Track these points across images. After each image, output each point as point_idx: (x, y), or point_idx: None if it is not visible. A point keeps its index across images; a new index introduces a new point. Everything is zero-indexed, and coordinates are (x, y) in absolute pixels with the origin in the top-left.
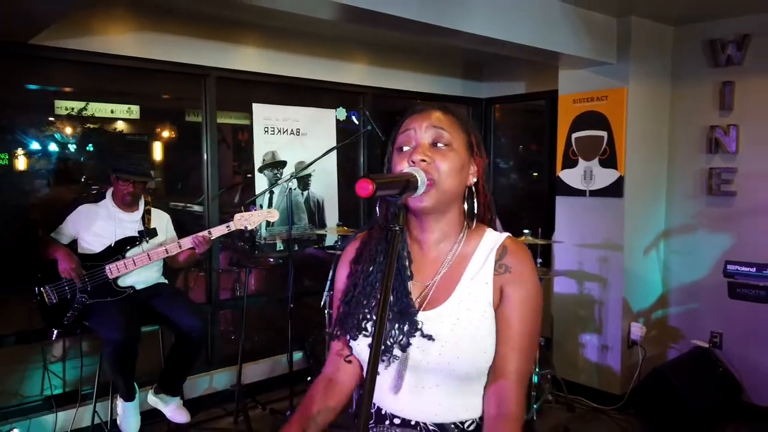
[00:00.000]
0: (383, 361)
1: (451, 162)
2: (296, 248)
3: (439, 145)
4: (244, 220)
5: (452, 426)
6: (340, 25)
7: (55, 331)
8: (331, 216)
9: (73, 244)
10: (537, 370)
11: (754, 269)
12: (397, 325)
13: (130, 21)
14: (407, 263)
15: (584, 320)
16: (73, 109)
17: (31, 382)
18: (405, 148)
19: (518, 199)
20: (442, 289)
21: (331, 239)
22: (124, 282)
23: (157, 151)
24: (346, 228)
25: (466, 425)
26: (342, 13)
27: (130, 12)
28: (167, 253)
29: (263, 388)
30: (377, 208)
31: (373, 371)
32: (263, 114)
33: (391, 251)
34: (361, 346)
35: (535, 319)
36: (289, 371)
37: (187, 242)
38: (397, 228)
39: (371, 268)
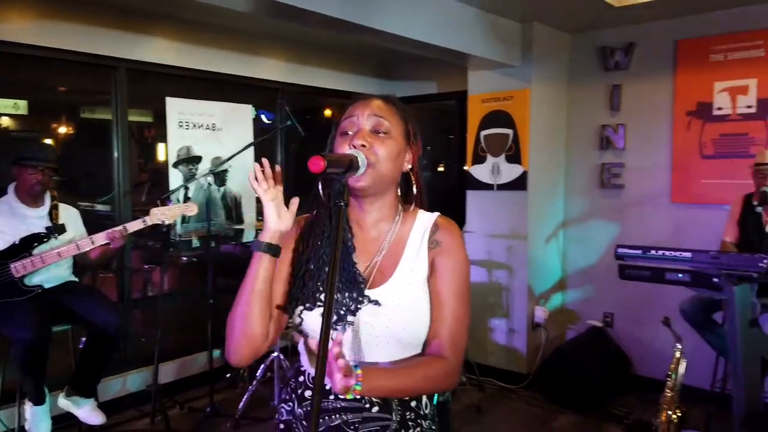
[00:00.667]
0: (336, 329)
1: (388, 148)
2: (213, 245)
3: (379, 132)
4: (161, 215)
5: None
6: (257, 19)
7: None
8: (249, 212)
9: None
10: None
11: (640, 251)
12: (347, 294)
13: (31, 7)
14: (350, 238)
15: (493, 306)
16: None
17: None
18: (348, 133)
19: (430, 194)
20: (386, 267)
21: (249, 235)
22: (31, 281)
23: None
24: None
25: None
26: (260, 7)
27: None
28: (78, 249)
29: (180, 388)
30: (320, 187)
31: (325, 342)
32: (177, 108)
33: (338, 224)
34: (315, 316)
35: (466, 289)
36: (210, 368)
37: (100, 238)
38: (342, 203)
39: (320, 243)
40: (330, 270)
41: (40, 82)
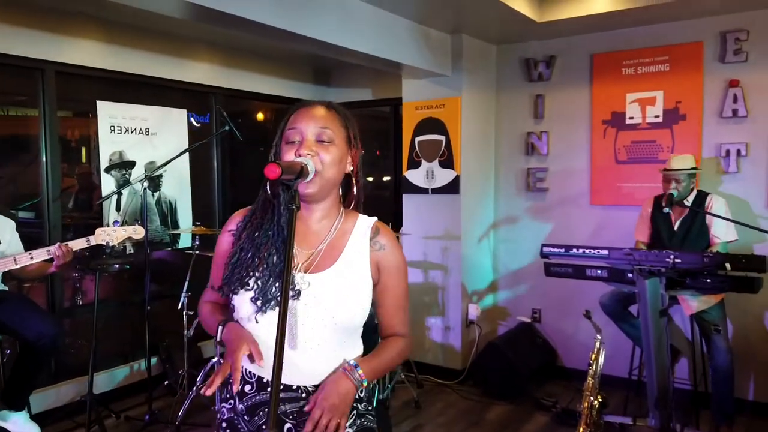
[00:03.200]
0: (263, 311)
1: (332, 155)
2: (148, 251)
3: (323, 141)
4: (106, 236)
5: None
6: (191, 24)
7: None
8: (184, 217)
9: None
10: None
11: (563, 250)
12: (278, 283)
13: None
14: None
15: (429, 305)
16: None
17: None
18: (294, 141)
19: (369, 198)
20: (327, 257)
21: (186, 240)
22: None
23: None
24: (204, 228)
25: None
26: (188, 12)
27: None
28: (16, 264)
29: (116, 397)
30: (268, 188)
31: (281, 335)
32: (108, 112)
33: (290, 226)
34: (242, 299)
35: (406, 283)
36: (148, 376)
37: (40, 253)
38: (294, 207)
39: (256, 234)
40: (285, 270)
41: None
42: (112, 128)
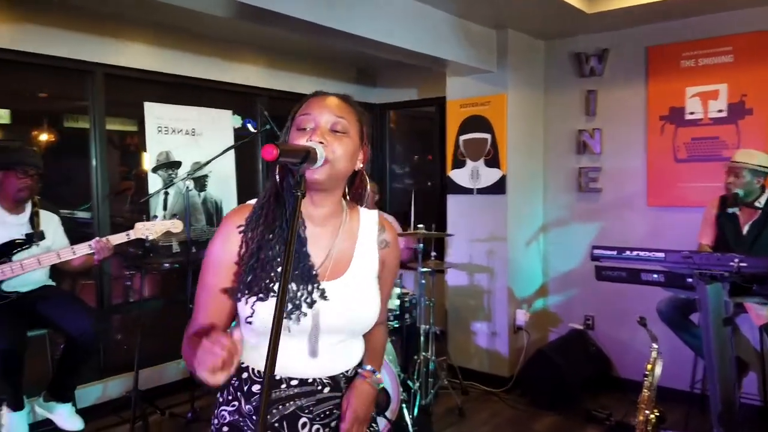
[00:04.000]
0: (291, 319)
1: (345, 146)
2: (194, 250)
3: (337, 131)
4: (145, 230)
5: (341, 375)
6: (236, 25)
7: None
8: None
9: None
10: (434, 358)
11: (616, 252)
12: (301, 287)
13: (8, 11)
14: (303, 230)
15: (475, 309)
16: None
17: None
18: (305, 128)
19: (410, 199)
20: (339, 262)
21: None
22: (8, 286)
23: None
24: None
25: (349, 372)
26: (231, 10)
27: (9, 3)
28: (59, 258)
29: (161, 394)
30: (276, 176)
31: (276, 332)
32: (156, 113)
33: (294, 212)
34: (268, 307)
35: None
36: (191, 374)
37: (82, 248)
38: (299, 193)
39: (271, 235)
40: (285, 259)
41: (21, 90)
42: (159, 129)
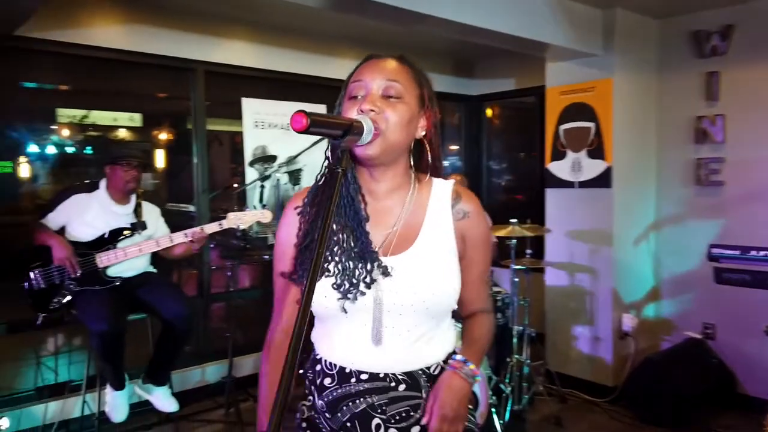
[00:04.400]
0: (348, 299)
1: (399, 114)
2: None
3: (390, 96)
4: (237, 219)
5: (420, 372)
6: (330, 19)
7: (41, 317)
8: None
9: (61, 231)
10: (528, 362)
11: (738, 252)
12: (360, 265)
13: (117, 13)
14: (363, 207)
15: (575, 312)
16: (75, 117)
17: (25, 374)
18: (357, 96)
19: (510, 193)
20: (405, 236)
21: None
22: (112, 272)
23: (159, 156)
24: None
25: (431, 369)
26: (325, 0)
27: (117, 4)
28: (158, 246)
29: (255, 381)
30: (329, 154)
31: (304, 313)
32: (253, 108)
33: (334, 192)
34: (323, 287)
35: (490, 253)
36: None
37: (178, 237)
38: (339, 169)
39: (354, 220)
40: (319, 237)
41: (149, 93)
42: (256, 124)
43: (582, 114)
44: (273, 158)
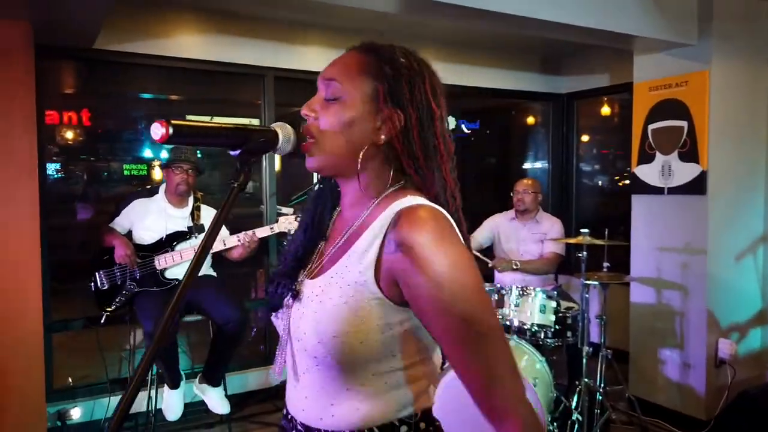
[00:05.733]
0: (278, 317)
1: (333, 118)
2: None
3: (328, 98)
4: (288, 224)
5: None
6: (405, 22)
7: (104, 315)
8: None
9: (128, 234)
10: (602, 386)
11: None
12: (282, 283)
13: (192, 23)
14: (327, 226)
15: (663, 333)
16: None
17: (101, 367)
18: None
19: (601, 200)
20: (331, 259)
21: None
22: (170, 274)
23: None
24: None
25: None
26: (400, 5)
27: (196, 14)
28: (211, 249)
29: None
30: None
31: (161, 333)
32: None
33: (223, 206)
34: (278, 316)
35: (466, 306)
36: None
37: (232, 240)
38: (234, 184)
39: (310, 230)
40: (192, 262)
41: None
42: None
43: (673, 112)
44: None
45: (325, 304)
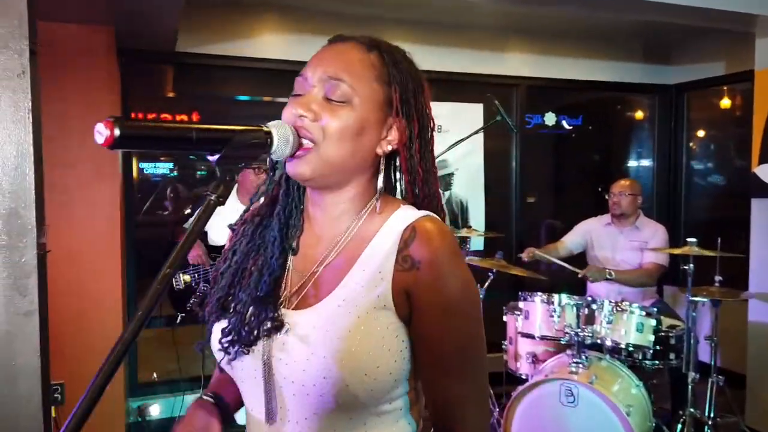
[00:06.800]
0: (228, 353)
1: (342, 122)
2: None
3: (331, 99)
4: None
5: None
6: (488, 13)
7: (179, 316)
8: (477, 219)
9: (205, 235)
10: (713, 416)
11: None
12: (252, 310)
13: (274, 24)
14: (294, 239)
15: None
16: None
17: (185, 365)
18: (299, 95)
19: (714, 204)
20: (326, 282)
21: (476, 243)
22: None
23: None
24: (474, 229)
25: None
26: None
27: (275, 15)
28: None
29: None
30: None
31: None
32: None
33: (196, 221)
34: (216, 330)
35: (471, 328)
36: None
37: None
38: (212, 196)
39: (257, 232)
40: (161, 275)
41: None
42: None
43: None
44: None
45: (345, 341)
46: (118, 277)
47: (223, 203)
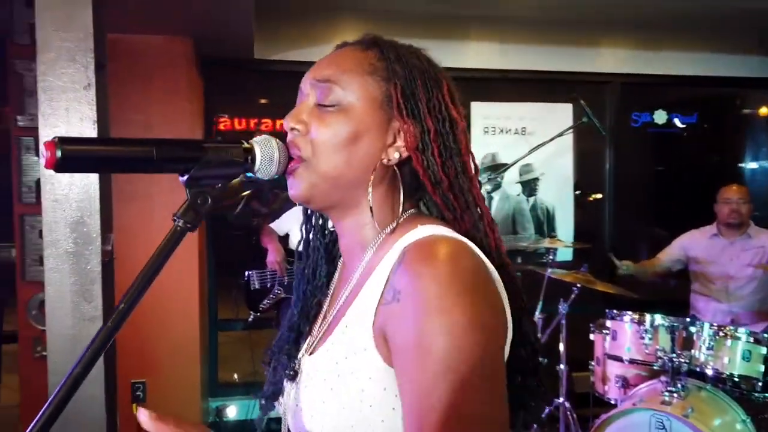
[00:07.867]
0: (264, 413)
1: (329, 129)
2: (519, 261)
3: (323, 103)
4: None
5: None
6: (584, 5)
7: (252, 315)
8: (564, 227)
9: (285, 238)
10: None
11: None
12: (279, 362)
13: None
14: (320, 279)
15: None
16: None
17: (258, 366)
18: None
19: None
20: (332, 325)
21: (564, 254)
22: None
23: None
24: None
25: None
26: None
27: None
28: None
29: None
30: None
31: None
32: (482, 113)
33: (161, 251)
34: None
35: (453, 379)
36: None
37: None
38: (179, 222)
39: (303, 285)
40: (116, 312)
41: None
42: (486, 130)
43: None
44: (503, 167)
45: (334, 386)
46: (196, 278)
47: (192, 230)
